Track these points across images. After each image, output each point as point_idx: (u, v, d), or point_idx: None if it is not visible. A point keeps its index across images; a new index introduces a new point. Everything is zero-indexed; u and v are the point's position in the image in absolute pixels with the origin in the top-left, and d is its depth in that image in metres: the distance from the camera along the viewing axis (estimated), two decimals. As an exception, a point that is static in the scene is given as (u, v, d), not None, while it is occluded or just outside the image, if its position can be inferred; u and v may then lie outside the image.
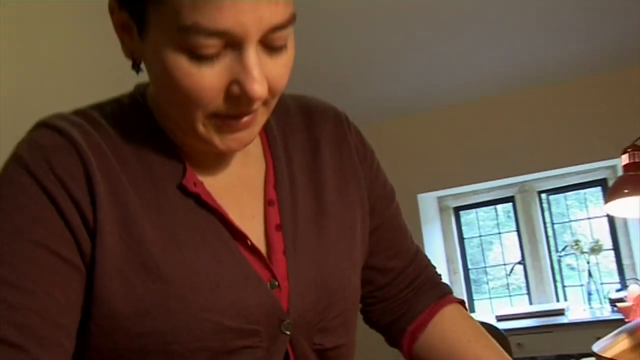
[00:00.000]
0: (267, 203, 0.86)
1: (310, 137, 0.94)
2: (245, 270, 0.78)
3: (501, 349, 0.95)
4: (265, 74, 0.71)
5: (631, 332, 1.47)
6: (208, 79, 0.71)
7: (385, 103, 4.18)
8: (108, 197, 0.75)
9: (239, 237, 0.80)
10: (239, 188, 0.86)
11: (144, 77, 0.82)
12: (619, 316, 3.01)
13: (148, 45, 0.73)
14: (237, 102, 0.72)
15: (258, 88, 0.70)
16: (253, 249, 0.80)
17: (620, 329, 1.56)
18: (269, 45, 0.72)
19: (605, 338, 1.57)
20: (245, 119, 0.75)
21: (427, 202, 4.40)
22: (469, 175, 4.19)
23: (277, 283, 0.81)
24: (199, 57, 0.69)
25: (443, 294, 1.00)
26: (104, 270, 0.73)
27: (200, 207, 0.79)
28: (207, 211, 0.79)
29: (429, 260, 1.04)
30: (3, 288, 0.68)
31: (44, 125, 0.77)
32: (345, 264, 0.90)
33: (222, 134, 0.76)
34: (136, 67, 0.81)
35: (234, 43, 0.69)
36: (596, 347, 1.51)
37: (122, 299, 0.73)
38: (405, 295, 0.99)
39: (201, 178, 0.81)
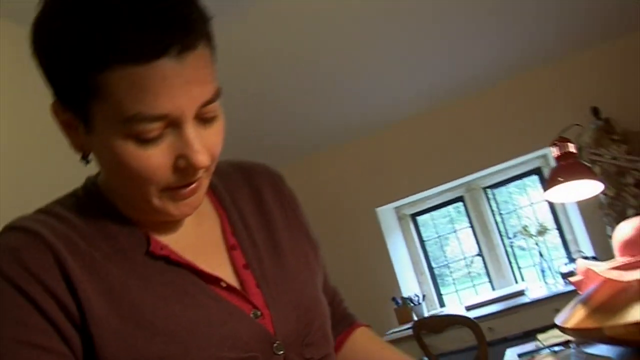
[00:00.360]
0: (230, 248, 0.89)
1: (252, 190, 0.99)
2: (227, 308, 0.81)
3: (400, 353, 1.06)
4: (204, 144, 0.75)
5: (585, 302, 1.64)
6: (156, 158, 0.74)
7: (337, 130, 4.27)
8: (86, 276, 0.75)
9: (214, 281, 0.82)
10: (201, 242, 0.88)
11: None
12: (571, 287, 3.16)
13: (96, 137, 0.75)
14: (184, 173, 0.76)
15: (202, 158, 0.74)
16: (229, 288, 0.83)
17: (575, 300, 1.72)
18: (203, 118, 0.75)
19: (564, 310, 1.73)
20: (192, 185, 0.78)
21: (386, 214, 4.52)
22: (420, 183, 4.33)
23: (259, 313, 0.84)
24: (144, 140, 0.72)
25: (352, 321, 1.11)
26: (103, 340, 0.73)
27: (172, 265, 0.81)
28: (179, 267, 0.81)
29: (341, 297, 1.14)
30: None
31: (9, 229, 0.78)
32: (311, 286, 0.95)
33: (175, 202, 0.79)
34: (85, 160, 0.82)
35: (173, 123, 0.73)
36: (558, 320, 1.67)
37: (124, 354, 0.74)
38: (334, 317, 1.05)
39: (165, 242, 0.83)
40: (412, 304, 4.13)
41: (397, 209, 4.62)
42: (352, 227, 4.39)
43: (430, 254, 4.71)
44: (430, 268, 4.66)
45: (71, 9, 0.70)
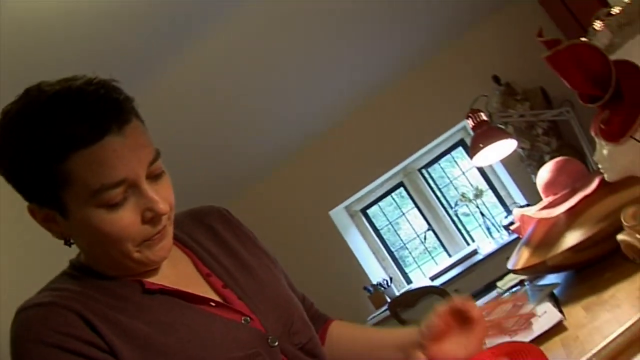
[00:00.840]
0: (206, 276, 1.01)
1: (206, 228, 1.11)
2: (222, 321, 0.92)
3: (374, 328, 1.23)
4: (160, 196, 0.88)
5: (527, 243, 1.80)
6: (127, 218, 0.85)
7: (275, 154, 4.34)
8: (102, 325, 0.83)
9: (205, 302, 0.93)
10: (181, 278, 0.98)
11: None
12: (514, 235, 3.33)
13: (73, 219, 0.85)
14: (152, 223, 0.88)
15: (162, 206, 0.87)
16: (218, 305, 0.95)
17: (518, 245, 1.89)
18: (153, 176, 0.89)
19: (512, 256, 1.90)
20: (162, 232, 0.90)
21: (339, 214, 4.64)
22: (362, 179, 4.47)
23: (249, 319, 0.95)
24: (113, 206, 0.83)
25: (326, 318, 1.24)
26: None
27: (167, 295, 0.92)
28: (173, 297, 0.92)
29: (311, 300, 1.26)
30: None
31: (23, 310, 0.85)
32: (281, 288, 1.09)
33: (152, 250, 0.90)
34: (69, 243, 0.92)
35: (132, 186, 0.85)
36: (509, 265, 1.84)
37: None
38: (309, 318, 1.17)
39: (154, 281, 0.93)
40: (382, 289, 4.27)
41: (347, 207, 4.73)
42: (312, 235, 4.49)
43: (387, 241, 4.84)
44: (390, 252, 4.78)
45: (22, 126, 0.82)
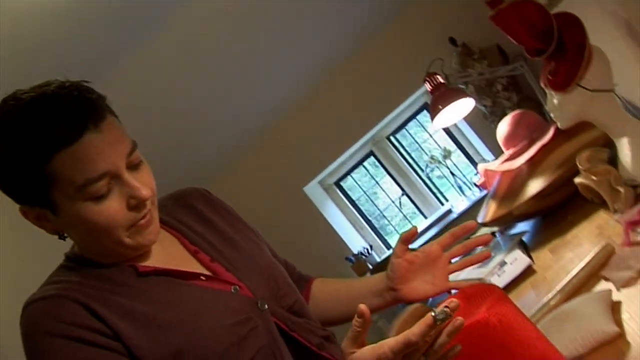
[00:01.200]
0: (194, 253, 1.07)
1: (188, 208, 1.17)
2: (214, 292, 0.99)
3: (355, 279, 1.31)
4: (141, 182, 0.94)
5: (493, 196, 1.88)
6: (113, 207, 0.91)
7: (243, 138, 4.34)
8: (105, 310, 0.89)
9: (195, 277, 1.00)
10: (171, 258, 1.04)
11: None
12: (486, 191, 3.44)
13: (63, 215, 0.91)
14: (137, 208, 0.94)
15: (144, 192, 0.93)
16: (208, 278, 1.01)
17: (486, 199, 1.96)
18: (132, 166, 0.95)
19: (481, 210, 1.97)
20: (147, 216, 0.96)
21: (313, 189, 4.68)
22: (332, 152, 4.51)
23: (238, 287, 1.02)
24: (99, 198, 0.90)
25: (308, 278, 1.33)
26: (137, 348, 0.88)
27: (161, 276, 0.98)
28: (166, 276, 0.98)
29: (293, 265, 1.33)
30: None
31: (29, 304, 0.90)
32: (265, 256, 1.16)
33: (141, 234, 0.96)
34: (63, 237, 0.98)
35: (114, 177, 0.91)
36: (479, 219, 1.91)
37: (162, 352, 0.89)
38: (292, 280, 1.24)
39: (146, 264, 0.99)
40: (364, 257, 4.35)
41: (320, 182, 4.78)
42: (289, 213, 4.54)
43: (364, 210, 4.90)
44: (368, 221, 4.86)
45: (4, 134, 0.87)
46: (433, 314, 0.71)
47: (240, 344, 0.94)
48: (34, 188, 0.89)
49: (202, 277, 1.01)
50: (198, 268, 1.05)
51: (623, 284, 1.01)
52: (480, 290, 0.82)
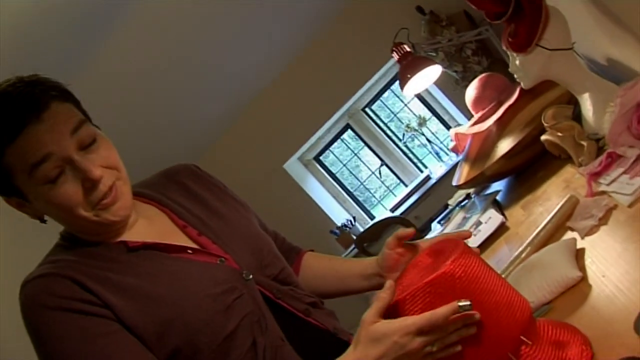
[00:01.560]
0: (182, 228, 1.12)
1: (177, 184, 1.21)
2: (200, 264, 1.04)
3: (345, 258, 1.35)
4: (93, 163, 0.97)
5: (465, 159, 1.93)
6: (68, 188, 0.96)
7: (222, 120, 4.35)
8: (97, 285, 0.94)
9: (182, 250, 1.05)
10: (160, 233, 1.09)
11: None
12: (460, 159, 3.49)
13: (33, 200, 0.98)
14: (94, 189, 0.98)
15: (96, 173, 0.96)
16: (195, 251, 1.06)
17: (459, 162, 2.01)
18: (85, 147, 0.98)
19: (455, 173, 2.02)
20: (111, 194, 1.00)
21: (294, 166, 4.71)
22: (308, 128, 4.53)
23: (223, 259, 1.07)
24: (52, 181, 0.95)
25: (299, 250, 1.39)
26: (128, 320, 0.93)
27: (149, 250, 1.03)
28: (153, 250, 1.03)
29: (283, 236, 1.39)
30: None
31: (27, 283, 0.95)
32: (251, 228, 1.21)
33: (107, 211, 1.00)
34: (43, 221, 1.04)
35: (66, 161, 0.95)
36: (454, 182, 1.96)
37: (151, 321, 0.94)
38: (282, 252, 1.28)
39: (135, 239, 1.04)
40: (348, 229, 4.41)
41: (300, 158, 4.81)
42: (271, 191, 4.56)
43: (346, 182, 4.95)
44: (350, 194, 4.91)
45: None
46: (459, 303, 0.76)
47: (226, 312, 0.99)
48: (2, 181, 0.97)
49: (189, 251, 1.05)
50: (185, 242, 1.09)
51: (587, 233, 1.06)
52: (446, 246, 0.87)
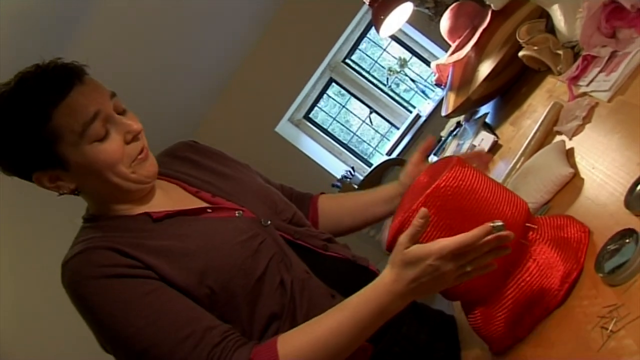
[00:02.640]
0: (196, 194, 1.19)
1: (181, 159, 1.29)
2: (221, 220, 1.12)
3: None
4: (131, 119, 1.07)
5: (450, 89, 1.97)
6: (114, 143, 1.04)
7: (210, 91, 4.39)
8: (135, 252, 0.99)
9: (202, 212, 1.12)
10: (176, 201, 1.16)
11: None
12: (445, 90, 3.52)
13: (74, 166, 1.03)
14: (133, 141, 1.07)
15: (135, 126, 1.07)
16: (214, 209, 1.14)
17: (445, 93, 2.04)
18: (120, 112, 1.07)
19: (443, 105, 2.06)
20: (144, 150, 1.09)
21: (285, 128, 4.72)
22: (293, 88, 4.54)
23: (241, 212, 1.15)
24: (101, 139, 1.02)
25: (310, 195, 1.48)
26: (168, 277, 0.99)
27: (172, 217, 1.09)
28: (176, 217, 1.09)
29: (289, 185, 1.47)
30: (163, 327, 0.94)
31: (68, 262, 1.00)
32: (258, 183, 1.29)
33: (142, 166, 1.08)
34: (77, 193, 1.10)
35: (107, 119, 1.03)
36: (443, 113, 2.01)
37: (189, 275, 1.00)
38: (294, 200, 1.38)
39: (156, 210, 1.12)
40: (349, 180, 4.46)
41: (290, 120, 4.82)
42: (267, 156, 4.54)
43: (339, 136, 4.98)
44: (344, 146, 4.95)
45: (3, 113, 0.99)
46: (491, 223, 0.78)
47: (254, 256, 1.07)
48: (42, 150, 1.00)
49: (209, 210, 1.13)
50: (202, 204, 1.16)
51: (573, 133, 1.11)
52: (442, 164, 0.92)
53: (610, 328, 0.65)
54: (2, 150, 1.01)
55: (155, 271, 0.99)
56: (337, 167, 4.73)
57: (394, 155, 4.17)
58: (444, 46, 4.14)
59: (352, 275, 0.98)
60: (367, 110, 4.83)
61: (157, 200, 1.15)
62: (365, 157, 4.96)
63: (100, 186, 1.08)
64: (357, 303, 0.93)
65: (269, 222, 1.15)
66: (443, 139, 2.34)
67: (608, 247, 0.75)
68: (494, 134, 1.66)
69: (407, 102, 4.78)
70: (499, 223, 0.78)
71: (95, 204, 1.12)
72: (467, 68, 1.80)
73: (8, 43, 2.22)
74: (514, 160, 1.26)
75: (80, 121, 1.00)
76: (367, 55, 4.87)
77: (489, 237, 0.79)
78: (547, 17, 1.49)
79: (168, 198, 1.16)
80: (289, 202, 1.29)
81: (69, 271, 0.99)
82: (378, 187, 1.38)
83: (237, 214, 1.14)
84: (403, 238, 0.86)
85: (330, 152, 4.87)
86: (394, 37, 4.45)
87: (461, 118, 2.17)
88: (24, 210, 2.70)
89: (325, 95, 4.89)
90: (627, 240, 0.72)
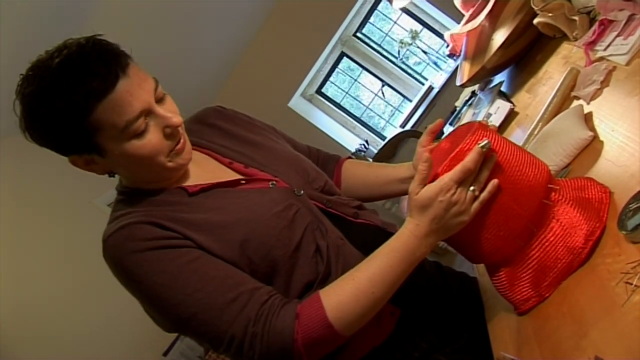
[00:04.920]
0: (229, 165, 1.20)
1: (209, 126, 1.28)
2: (256, 191, 1.13)
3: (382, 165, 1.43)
4: (170, 112, 1.04)
5: (465, 58, 1.96)
6: (154, 138, 1.02)
7: (222, 68, 4.38)
8: (174, 225, 1.01)
9: (237, 184, 1.13)
10: (211, 173, 1.16)
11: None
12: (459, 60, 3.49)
13: (111, 155, 1.02)
14: (173, 135, 1.05)
15: (176, 119, 1.04)
16: (248, 181, 1.14)
17: (459, 63, 2.04)
18: (159, 100, 1.04)
19: (457, 74, 2.06)
20: (182, 140, 1.08)
21: (298, 103, 4.73)
22: (305, 63, 4.54)
23: (274, 182, 1.16)
24: (140, 135, 1.00)
25: (337, 158, 1.47)
26: (208, 246, 1.00)
27: (208, 191, 1.10)
28: (211, 190, 1.10)
29: (316, 148, 1.47)
30: (208, 292, 0.96)
31: (108, 237, 1.01)
32: (288, 151, 1.28)
33: (179, 156, 1.07)
34: (112, 175, 1.10)
35: (149, 113, 1.01)
36: (457, 82, 2.01)
37: (229, 246, 1.01)
38: (320, 163, 1.41)
39: (191, 184, 1.13)
40: (363, 153, 4.48)
41: (302, 95, 4.83)
42: (282, 130, 4.60)
43: (352, 110, 4.98)
44: (358, 119, 4.95)
45: (47, 100, 0.96)
46: (479, 144, 0.85)
47: (290, 226, 1.09)
48: (81, 139, 0.99)
49: (243, 181, 1.13)
50: (236, 176, 1.17)
51: (591, 97, 1.12)
52: (464, 129, 0.94)
53: (634, 283, 0.67)
54: (41, 131, 1.00)
55: (195, 243, 1.00)
56: (351, 141, 4.74)
57: (407, 127, 4.16)
58: (455, 17, 4.12)
59: (383, 242, 1.01)
60: (379, 83, 4.82)
61: (192, 173, 1.15)
62: (378, 130, 4.96)
63: (136, 173, 1.09)
64: (389, 249, 0.98)
65: (302, 191, 1.16)
66: (458, 108, 2.34)
67: (630, 205, 0.76)
68: (510, 101, 1.67)
69: (419, 74, 4.76)
70: (485, 142, 0.85)
71: (129, 181, 1.13)
72: (482, 37, 1.80)
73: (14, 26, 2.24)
74: (532, 126, 1.27)
75: (124, 118, 0.97)
76: (377, 28, 4.84)
77: (481, 157, 0.86)
78: (561, -18, 1.48)
79: (202, 171, 1.16)
80: (320, 170, 1.29)
81: (111, 247, 1.01)
82: (394, 165, 1.39)
83: (270, 185, 1.15)
84: (412, 186, 0.92)
85: (343, 126, 4.87)
86: (404, 9, 4.41)
87: (476, 87, 2.17)
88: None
89: (336, 70, 4.88)
90: (649, 199, 0.73)
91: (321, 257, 1.10)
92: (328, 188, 1.25)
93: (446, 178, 0.88)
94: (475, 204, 0.89)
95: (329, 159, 1.46)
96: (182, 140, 1.08)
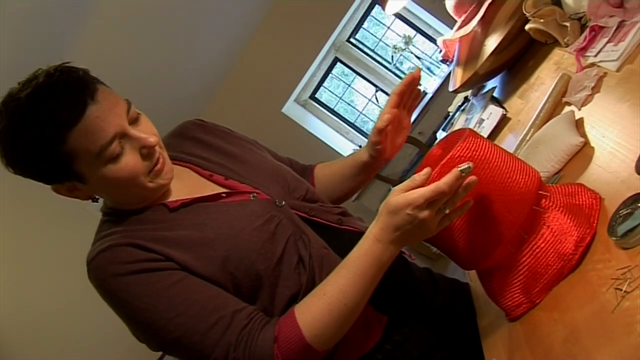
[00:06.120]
0: (209, 177, 1.19)
1: (190, 140, 1.28)
2: (237, 204, 1.12)
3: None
4: (146, 132, 1.04)
5: (457, 64, 1.97)
6: (130, 161, 1.02)
7: (215, 75, 4.39)
8: (155, 245, 1.01)
9: (218, 197, 1.13)
10: (191, 187, 1.16)
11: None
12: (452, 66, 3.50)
13: (91, 181, 1.03)
14: (150, 156, 1.05)
15: (151, 139, 1.04)
16: (229, 194, 1.14)
17: (452, 68, 2.05)
18: (133, 121, 1.05)
19: (450, 80, 2.06)
20: (160, 160, 1.08)
21: (292, 108, 4.74)
22: (299, 69, 4.55)
23: (255, 194, 1.15)
24: (116, 158, 1.01)
25: (311, 166, 1.48)
26: (190, 266, 1.00)
27: (189, 206, 1.10)
28: (192, 205, 1.10)
29: (296, 159, 1.48)
30: (190, 318, 0.96)
31: (92, 260, 1.01)
32: (269, 162, 1.28)
33: (160, 176, 1.08)
34: (95, 200, 1.11)
35: (123, 136, 1.01)
36: (450, 88, 2.01)
37: (211, 263, 1.01)
38: (298, 174, 1.36)
39: (172, 200, 1.13)
40: (356, 158, 4.46)
41: (296, 100, 4.84)
42: (274, 137, 4.50)
43: (345, 115, 4.98)
44: (351, 125, 4.95)
45: (19, 134, 0.97)
46: (459, 168, 0.82)
47: (272, 239, 1.08)
48: (58, 168, 1.00)
49: (223, 195, 1.13)
50: (217, 189, 1.16)
51: (582, 103, 1.12)
52: (455, 136, 0.94)
53: (624, 289, 0.67)
54: (20, 164, 1.01)
55: (177, 263, 1.00)
56: (344, 146, 4.74)
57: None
58: (448, 22, 4.13)
59: None
60: (373, 89, 4.83)
61: (172, 188, 1.15)
62: (369, 132, 4.95)
63: (118, 195, 1.09)
64: (355, 258, 0.97)
65: (284, 202, 1.16)
66: (451, 114, 2.34)
67: (620, 211, 0.76)
68: (503, 107, 1.67)
69: (413, 79, 4.75)
70: (467, 166, 0.82)
71: (113, 202, 1.13)
72: (474, 43, 1.81)
73: (11, 30, 2.24)
74: (524, 132, 1.27)
75: (97, 144, 0.98)
76: (371, 34, 4.84)
77: (459, 181, 0.83)
78: (553, -11, 1.49)
79: (182, 185, 1.16)
80: (301, 178, 1.29)
81: (95, 269, 1.01)
82: (353, 154, 1.40)
83: (252, 197, 1.14)
84: (396, 188, 0.91)
85: (337, 131, 4.88)
86: (398, 15, 4.43)
87: (468, 93, 2.18)
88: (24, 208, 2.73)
89: (330, 75, 4.88)
90: (639, 205, 0.73)
91: (304, 267, 1.09)
92: (310, 196, 1.24)
93: (417, 193, 0.86)
94: (443, 223, 0.88)
95: (304, 169, 1.46)
96: (161, 160, 1.08)
